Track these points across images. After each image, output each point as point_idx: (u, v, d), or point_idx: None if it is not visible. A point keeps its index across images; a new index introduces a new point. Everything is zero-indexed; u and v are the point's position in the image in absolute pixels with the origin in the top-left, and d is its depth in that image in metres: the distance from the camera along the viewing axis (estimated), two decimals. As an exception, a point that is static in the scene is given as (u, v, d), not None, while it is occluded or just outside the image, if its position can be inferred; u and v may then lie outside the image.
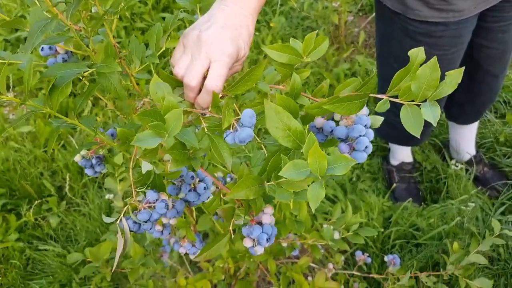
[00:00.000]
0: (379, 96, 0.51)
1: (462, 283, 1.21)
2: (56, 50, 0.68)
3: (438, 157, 1.80)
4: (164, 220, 0.82)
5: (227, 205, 0.58)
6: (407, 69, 0.48)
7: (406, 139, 1.63)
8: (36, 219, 1.74)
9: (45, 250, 1.65)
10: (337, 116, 0.55)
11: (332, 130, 0.53)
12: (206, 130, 0.53)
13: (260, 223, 0.58)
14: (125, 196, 1.16)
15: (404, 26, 1.19)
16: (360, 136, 0.51)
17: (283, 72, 0.56)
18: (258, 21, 2.54)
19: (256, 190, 0.52)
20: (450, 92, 0.48)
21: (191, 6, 0.81)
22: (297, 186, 0.53)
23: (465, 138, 1.70)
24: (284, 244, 1.05)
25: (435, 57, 0.47)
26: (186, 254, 1.37)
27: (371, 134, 0.52)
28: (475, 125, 1.66)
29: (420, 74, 0.47)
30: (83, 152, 0.73)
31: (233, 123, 0.50)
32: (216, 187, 0.75)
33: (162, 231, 0.88)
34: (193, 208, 1.01)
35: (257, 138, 0.64)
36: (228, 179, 0.98)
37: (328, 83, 0.57)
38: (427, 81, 0.47)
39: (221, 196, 0.61)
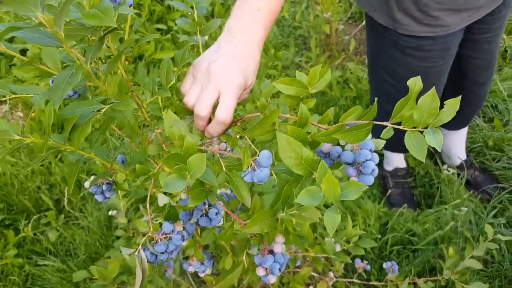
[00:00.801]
0: (384, 123, 0.54)
1: (459, 287, 1.25)
2: None
3: (431, 162, 1.84)
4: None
5: (241, 237, 0.61)
6: (408, 98, 0.52)
7: (399, 146, 1.67)
8: (34, 234, 1.74)
9: (45, 265, 1.65)
10: (342, 141, 0.58)
11: (339, 155, 0.56)
12: (224, 169, 0.55)
13: (271, 252, 0.61)
14: (127, 212, 1.17)
15: (394, 40, 1.23)
16: (367, 160, 0.54)
17: (290, 103, 0.59)
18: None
19: (270, 223, 0.55)
20: (449, 120, 0.51)
21: (191, 29, 0.83)
22: (309, 218, 0.56)
23: (456, 143, 1.75)
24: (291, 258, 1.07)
25: (433, 88, 0.51)
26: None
27: (376, 158, 0.56)
28: (464, 131, 1.71)
29: (421, 104, 0.50)
30: (92, 178, 0.75)
31: (251, 163, 0.53)
32: (226, 217, 0.78)
33: (172, 252, 0.91)
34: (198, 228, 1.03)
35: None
36: (235, 216, 1.01)
37: (333, 111, 0.60)
38: (427, 110, 0.50)
39: (234, 226, 0.64)
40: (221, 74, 0.60)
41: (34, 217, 1.75)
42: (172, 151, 0.54)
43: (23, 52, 2.45)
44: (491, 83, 1.52)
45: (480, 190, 1.72)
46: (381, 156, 1.88)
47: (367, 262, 1.33)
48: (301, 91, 0.57)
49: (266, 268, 0.58)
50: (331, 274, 1.28)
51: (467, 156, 1.80)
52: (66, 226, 1.78)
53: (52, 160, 1.95)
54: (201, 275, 0.90)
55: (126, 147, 0.79)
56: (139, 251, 0.57)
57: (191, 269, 0.89)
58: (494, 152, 1.82)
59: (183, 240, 0.60)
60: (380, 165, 1.87)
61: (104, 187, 0.73)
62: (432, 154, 1.88)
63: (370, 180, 0.54)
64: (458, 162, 1.78)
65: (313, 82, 0.57)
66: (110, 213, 1.15)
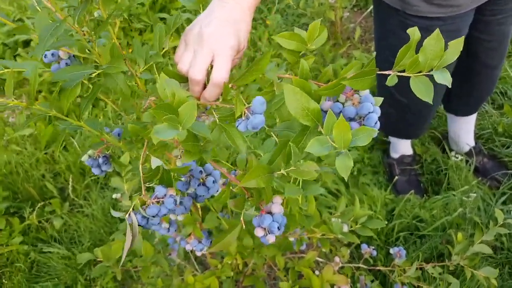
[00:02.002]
0: (387, 72, 0.54)
1: (468, 272, 1.23)
2: (58, 56, 0.69)
3: (438, 149, 1.81)
4: (172, 217, 0.82)
5: (238, 197, 0.59)
6: (408, 45, 0.51)
7: (403, 132, 1.64)
8: (39, 222, 1.74)
9: (50, 252, 1.65)
10: (341, 99, 0.58)
11: (340, 111, 0.55)
12: (218, 120, 0.54)
13: (270, 213, 0.59)
14: (132, 196, 1.16)
15: (403, 21, 1.20)
16: (369, 113, 0.54)
17: (290, 59, 0.58)
18: (254, 19, 2.54)
19: (267, 178, 0.54)
20: (453, 60, 0.51)
21: (194, 6, 0.82)
22: (306, 174, 0.54)
23: (464, 130, 1.72)
24: (292, 239, 1.06)
25: (437, 29, 0.50)
26: (192, 251, 1.38)
27: (378, 111, 0.55)
28: (473, 117, 1.68)
29: (426, 45, 0.50)
30: (90, 151, 0.74)
31: (245, 111, 0.51)
32: (224, 181, 0.76)
33: (168, 228, 0.89)
34: (199, 206, 1.02)
35: (266, 126, 0.65)
36: (232, 176, 0.99)
37: (331, 67, 0.59)
38: (433, 52, 0.50)
39: (231, 188, 0.62)
40: (214, 37, 0.59)
41: (39, 205, 1.74)
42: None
43: (27, 43, 2.45)
44: (501, 67, 1.49)
45: (489, 176, 1.69)
46: (387, 143, 1.85)
47: (373, 247, 1.31)
48: (301, 46, 0.57)
49: (265, 228, 0.56)
50: (337, 259, 1.27)
51: (476, 142, 1.77)
52: (71, 213, 1.78)
53: (56, 148, 1.94)
54: (198, 253, 0.89)
55: (124, 122, 0.77)
56: (129, 214, 0.56)
57: (188, 247, 0.88)
58: (503, 139, 1.79)
59: (175, 204, 0.58)
60: (386, 152, 1.85)
61: (100, 160, 0.72)
62: (440, 140, 1.85)
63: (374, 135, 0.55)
64: (466, 148, 1.75)
65: (312, 38, 0.57)
66: (114, 196, 1.14)
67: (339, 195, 1.69)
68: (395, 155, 1.79)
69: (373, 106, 0.55)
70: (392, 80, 0.54)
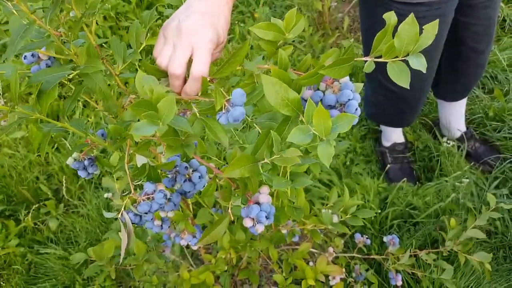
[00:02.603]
0: (364, 59, 0.54)
1: (462, 258, 1.24)
2: (38, 57, 0.68)
3: (430, 135, 1.82)
4: (162, 214, 0.83)
5: (224, 186, 0.60)
6: (385, 30, 0.51)
7: (395, 120, 1.65)
8: (35, 224, 1.74)
9: (47, 253, 1.65)
10: (322, 87, 0.58)
11: (321, 100, 0.56)
12: (198, 114, 0.54)
13: (258, 203, 0.60)
14: (122, 195, 1.17)
15: (387, 8, 1.20)
16: (350, 100, 0.54)
17: (268, 50, 0.58)
18: (242, 12, 2.53)
19: (251, 168, 0.54)
20: (429, 44, 0.51)
21: (178, 2, 0.81)
22: (290, 161, 0.55)
23: (455, 115, 1.72)
24: (284, 231, 1.06)
25: (412, 13, 0.50)
26: (188, 247, 1.38)
27: (358, 98, 0.56)
28: (463, 102, 1.68)
29: (401, 30, 0.50)
30: (75, 154, 0.74)
31: (225, 104, 0.51)
32: (210, 174, 0.76)
33: (161, 225, 0.90)
34: (190, 202, 1.02)
35: (248, 118, 0.65)
36: (217, 169, 1.00)
37: (310, 56, 0.59)
38: (408, 37, 0.50)
39: (217, 181, 0.62)
40: (193, 30, 0.59)
41: (34, 207, 1.74)
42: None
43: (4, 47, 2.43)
44: (489, 52, 1.49)
45: (481, 161, 1.70)
46: (379, 132, 1.86)
47: (367, 237, 1.32)
48: (278, 36, 0.57)
49: (253, 219, 0.56)
50: (330, 249, 1.28)
51: (467, 127, 1.77)
52: (66, 214, 1.78)
53: (48, 150, 1.94)
54: (194, 247, 0.89)
55: (107, 122, 0.77)
56: (122, 214, 0.56)
57: (183, 243, 0.88)
58: (494, 123, 1.80)
59: (166, 199, 0.59)
60: (378, 141, 1.85)
61: (85, 162, 0.72)
62: (431, 127, 1.86)
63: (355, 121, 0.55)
64: (457, 134, 1.76)
65: (289, 27, 0.56)
66: (105, 195, 1.14)
67: (332, 185, 1.69)
68: (386, 143, 1.79)
69: (353, 93, 0.56)
70: (369, 66, 0.54)
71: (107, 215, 0.63)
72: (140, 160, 0.62)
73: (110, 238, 1.04)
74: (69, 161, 0.73)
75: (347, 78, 0.57)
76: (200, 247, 1.19)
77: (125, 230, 0.61)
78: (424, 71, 0.50)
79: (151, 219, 0.68)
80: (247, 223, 0.59)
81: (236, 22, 2.45)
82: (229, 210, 0.66)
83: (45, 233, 1.72)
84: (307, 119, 0.49)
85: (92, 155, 0.76)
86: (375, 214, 0.93)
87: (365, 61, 0.55)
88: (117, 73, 0.67)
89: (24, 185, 1.82)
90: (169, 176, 0.71)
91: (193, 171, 0.73)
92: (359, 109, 0.56)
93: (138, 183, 0.66)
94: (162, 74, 0.63)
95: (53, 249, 1.66)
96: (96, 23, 0.66)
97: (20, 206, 1.78)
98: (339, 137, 1.92)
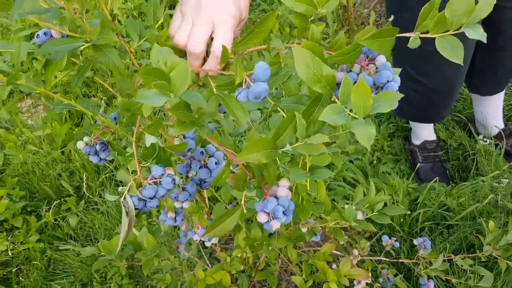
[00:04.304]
0: (408, 35, 0.48)
1: (503, 264, 1.13)
2: (51, 35, 0.65)
3: (464, 133, 1.70)
4: (177, 205, 0.78)
5: (238, 173, 0.53)
6: (432, 3, 0.44)
7: (426, 115, 1.54)
8: (55, 220, 1.74)
9: (66, 250, 1.64)
10: (356, 69, 0.52)
11: (355, 82, 0.49)
12: (215, 90, 0.48)
13: (275, 197, 0.53)
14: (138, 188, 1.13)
15: None
16: (388, 82, 0.49)
17: (299, 24, 0.52)
18: (264, 11, 2.48)
19: (269, 154, 0.48)
20: (485, 15, 0.45)
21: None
22: (315, 148, 0.48)
23: (492, 111, 1.60)
24: (304, 230, 0.99)
25: None
26: (205, 247, 1.32)
27: (398, 80, 0.50)
28: (501, 96, 1.56)
29: (453, 1, 0.44)
30: (87, 139, 0.70)
31: (246, 79, 0.45)
32: (226, 159, 0.71)
33: (175, 218, 0.84)
34: (206, 195, 0.97)
35: (271, 101, 0.59)
36: (232, 154, 0.94)
37: (344, 36, 0.53)
38: (461, 7, 0.44)
39: (231, 167, 0.56)
40: (214, 5, 0.53)
41: (55, 203, 1.74)
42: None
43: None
44: (530, 41, 1.37)
45: (522, 161, 1.57)
46: (409, 130, 1.75)
47: (395, 239, 1.22)
48: (311, 10, 0.51)
49: (269, 214, 0.50)
50: (355, 252, 1.19)
51: (505, 124, 1.64)
52: (86, 211, 1.77)
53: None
54: (208, 243, 0.84)
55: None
56: (124, 197, 0.51)
57: (196, 238, 0.83)
58: (536, 120, 1.66)
59: (174, 184, 0.53)
60: (407, 139, 1.75)
61: (97, 147, 0.68)
62: (466, 124, 1.73)
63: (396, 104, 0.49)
64: (495, 131, 1.63)
65: (323, 1, 0.49)
66: (120, 189, 1.11)
67: (357, 185, 1.60)
68: (417, 141, 1.68)
69: (392, 74, 0.50)
70: (414, 41, 0.48)
71: (109, 197, 0.58)
72: (149, 139, 0.57)
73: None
74: (80, 145, 0.70)
75: (384, 58, 0.51)
76: (216, 245, 1.13)
77: (127, 216, 0.56)
78: (485, 41, 0.45)
79: (157, 206, 0.63)
80: (261, 218, 0.53)
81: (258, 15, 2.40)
82: (242, 202, 0.59)
83: (65, 230, 1.71)
84: (343, 98, 0.44)
85: (105, 139, 0.72)
86: (404, 213, 0.85)
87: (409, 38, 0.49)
88: (132, 50, 0.63)
89: (47, 181, 1.83)
90: (184, 161, 0.66)
91: (209, 157, 0.67)
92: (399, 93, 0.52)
93: (146, 165, 0.61)
94: (180, 53, 0.58)
95: (72, 245, 1.65)
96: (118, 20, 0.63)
97: (42, 202, 1.79)
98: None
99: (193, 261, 1.27)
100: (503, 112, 1.64)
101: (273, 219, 0.52)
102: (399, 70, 0.56)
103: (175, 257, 1.01)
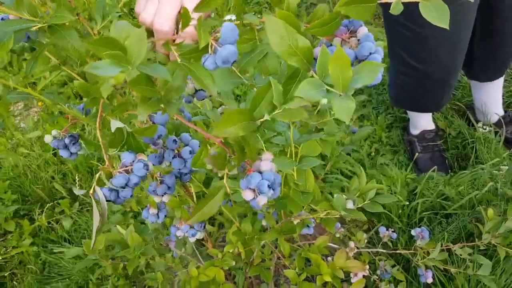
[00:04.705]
0: (389, 0, 0.44)
1: (502, 252, 1.09)
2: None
3: (463, 121, 1.66)
4: (156, 199, 0.74)
5: (217, 151, 0.50)
6: None
7: (423, 103, 1.51)
8: (49, 223, 1.72)
9: (60, 252, 1.62)
10: (337, 43, 0.49)
11: None
12: (179, 59, 0.44)
13: (259, 172, 0.50)
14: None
15: None
16: (371, 54, 0.45)
17: None
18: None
19: (247, 126, 0.44)
20: None
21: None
22: (295, 114, 0.45)
23: (491, 98, 1.56)
24: (296, 222, 0.96)
25: None
26: (203, 245, 1.29)
27: (382, 52, 0.47)
28: (500, 82, 1.52)
29: None
30: (55, 132, 0.67)
31: (212, 43, 0.42)
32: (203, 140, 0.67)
33: (158, 214, 0.81)
34: (193, 190, 0.94)
35: (245, 80, 0.55)
36: (208, 133, 0.91)
37: (325, 6, 0.49)
38: None
39: (208, 146, 0.53)
40: None
41: (48, 205, 1.72)
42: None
43: None
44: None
45: (522, 147, 1.53)
46: (407, 120, 1.72)
47: (392, 230, 1.19)
48: None
49: (254, 190, 0.46)
50: (351, 244, 1.16)
51: (505, 111, 1.60)
52: (80, 213, 1.74)
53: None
54: (192, 239, 0.81)
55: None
56: (94, 189, 0.48)
57: (180, 234, 0.80)
58: (536, 105, 1.62)
59: (147, 170, 0.50)
60: (406, 130, 1.71)
61: (66, 140, 0.65)
62: (464, 113, 1.70)
63: (379, 77, 0.46)
64: (495, 118, 1.59)
65: None
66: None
67: (354, 176, 1.57)
68: (415, 131, 1.65)
69: (375, 46, 0.46)
70: (397, 7, 0.45)
71: (77, 191, 0.55)
72: (115, 124, 0.54)
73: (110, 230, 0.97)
74: (47, 138, 0.67)
75: (366, 29, 0.48)
76: (207, 241, 1.10)
77: (97, 209, 0.53)
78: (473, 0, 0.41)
79: (131, 196, 0.59)
80: (247, 195, 0.49)
81: None
82: (225, 181, 0.56)
83: (59, 232, 1.69)
84: (320, 71, 0.41)
85: (74, 132, 0.69)
86: (403, 204, 0.81)
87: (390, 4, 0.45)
88: (96, 32, 0.59)
89: (39, 184, 1.81)
90: (155, 150, 0.63)
91: (184, 146, 0.64)
92: (382, 67, 0.48)
93: (114, 153, 0.57)
94: (148, 33, 0.55)
95: (66, 248, 1.62)
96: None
97: (35, 205, 1.76)
98: (360, 122, 1.79)
99: (186, 259, 1.25)
100: (503, 98, 1.61)
101: (259, 194, 0.49)
102: (382, 42, 0.53)
103: (161, 255, 0.97)
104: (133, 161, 0.52)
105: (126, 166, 0.52)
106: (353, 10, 0.43)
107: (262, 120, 0.45)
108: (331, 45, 0.51)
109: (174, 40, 0.49)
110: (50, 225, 1.72)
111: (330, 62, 0.38)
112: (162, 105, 0.46)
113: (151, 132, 0.53)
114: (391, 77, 1.49)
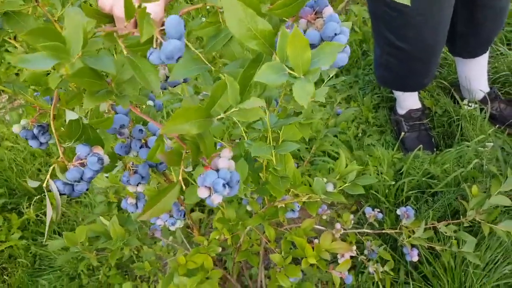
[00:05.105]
0: None
1: (486, 228, 1.10)
2: None
3: (449, 99, 1.66)
4: (131, 189, 0.73)
5: (172, 147, 0.49)
6: None
7: (408, 83, 1.50)
8: (37, 216, 1.71)
9: (50, 245, 1.62)
10: (302, 24, 0.48)
11: None
12: (125, 52, 0.42)
13: (216, 170, 0.49)
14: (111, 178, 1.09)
15: None
16: (336, 34, 0.45)
17: None
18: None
19: (201, 123, 0.43)
20: None
21: None
22: (251, 114, 0.44)
23: (476, 74, 1.55)
24: (280, 207, 0.96)
25: None
26: (192, 233, 1.29)
27: (347, 32, 0.46)
28: (484, 58, 1.51)
29: None
30: (24, 122, 0.65)
31: (157, 37, 0.40)
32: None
33: (136, 204, 0.81)
34: (174, 178, 0.93)
35: (212, 67, 0.54)
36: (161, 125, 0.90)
37: None
38: None
39: (165, 140, 0.52)
40: None
41: (36, 198, 1.71)
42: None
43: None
44: (509, 1, 1.31)
45: (507, 123, 1.54)
46: (393, 100, 1.71)
47: (378, 210, 1.20)
48: None
49: (210, 188, 0.46)
50: (338, 225, 1.16)
51: (490, 88, 1.60)
52: (69, 205, 1.74)
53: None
54: (172, 228, 0.80)
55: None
56: (48, 183, 0.47)
57: (159, 222, 0.80)
58: (521, 80, 1.62)
59: (102, 164, 0.49)
60: (392, 109, 1.71)
61: (35, 130, 0.63)
62: (450, 90, 1.69)
63: (344, 58, 0.46)
64: (480, 95, 1.59)
65: None
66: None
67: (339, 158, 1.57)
68: (401, 111, 1.65)
69: (340, 26, 0.46)
70: None
71: (31, 183, 0.54)
72: (69, 115, 0.52)
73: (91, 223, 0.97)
74: (16, 129, 0.65)
75: (331, 9, 0.47)
76: (193, 229, 1.10)
77: (51, 202, 0.52)
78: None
79: (86, 190, 0.58)
80: (202, 193, 0.48)
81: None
82: (180, 178, 0.55)
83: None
84: (280, 54, 0.39)
85: (44, 122, 0.67)
86: (375, 180, 0.81)
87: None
88: (56, 19, 0.57)
89: (26, 177, 1.79)
90: (122, 140, 0.62)
91: (151, 135, 0.63)
92: (348, 47, 0.47)
93: (69, 145, 0.56)
94: (108, 19, 0.53)
95: (56, 240, 1.62)
96: None
97: (22, 198, 1.75)
98: (347, 103, 1.78)
99: (174, 248, 1.25)
100: (488, 75, 1.60)
101: (214, 193, 0.48)
102: (349, 24, 0.52)
103: (147, 244, 0.97)
104: (88, 154, 0.50)
105: (81, 160, 0.50)
106: None
107: (218, 117, 0.43)
108: (297, 26, 0.50)
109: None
110: (38, 218, 1.71)
111: (288, 44, 0.37)
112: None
113: (107, 124, 0.51)
114: (376, 57, 1.47)
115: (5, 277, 1.56)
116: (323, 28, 0.46)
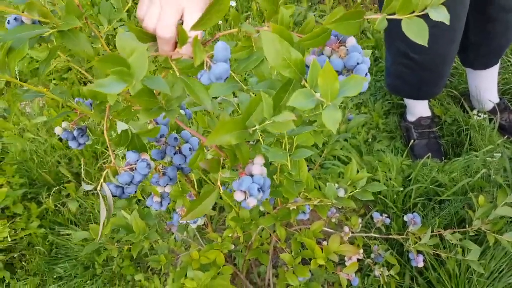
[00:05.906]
0: (375, 16, 0.48)
1: (491, 238, 1.14)
2: (22, 21, 0.65)
3: (459, 108, 1.69)
4: (159, 190, 0.79)
5: (211, 157, 0.54)
6: None
7: (419, 92, 1.53)
8: (56, 206, 1.78)
9: (67, 234, 1.68)
10: (327, 52, 0.52)
11: None
12: (178, 73, 0.48)
13: (250, 176, 0.54)
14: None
15: None
16: (358, 64, 0.49)
17: (267, 7, 0.52)
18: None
19: (239, 135, 0.48)
20: None
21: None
22: (283, 127, 0.49)
23: (486, 85, 1.58)
24: (292, 208, 1.01)
25: None
26: (200, 227, 1.35)
27: (368, 62, 0.51)
28: (495, 70, 1.54)
29: None
30: (64, 124, 0.71)
31: (206, 61, 0.45)
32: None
33: (161, 203, 0.86)
34: (194, 178, 0.98)
35: (243, 86, 0.59)
36: (204, 137, 0.95)
37: (314, 18, 0.52)
38: None
39: (204, 149, 0.57)
40: None
41: (54, 189, 1.77)
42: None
43: None
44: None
45: (516, 134, 1.56)
46: (404, 107, 1.74)
47: (386, 215, 1.24)
48: None
49: (245, 192, 0.51)
50: (346, 228, 1.21)
51: (500, 98, 1.63)
52: (86, 197, 1.80)
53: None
54: (193, 225, 0.86)
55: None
56: (101, 186, 0.52)
57: (182, 220, 0.84)
58: (532, 93, 1.64)
59: (150, 169, 0.54)
60: (402, 116, 1.74)
61: (75, 132, 0.69)
62: (460, 100, 1.72)
63: (365, 85, 0.50)
64: (490, 106, 1.62)
65: None
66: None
67: (349, 163, 1.61)
68: (412, 118, 1.68)
69: (362, 56, 0.51)
70: (381, 23, 0.49)
71: (86, 187, 0.59)
72: (120, 126, 0.58)
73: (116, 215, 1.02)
74: (58, 130, 0.71)
75: (354, 40, 0.52)
76: (207, 226, 1.16)
77: (104, 204, 0.58)
78: (447, 23, 0.45)
79: (135, 192, 0.64)
80: (238, 196, 0.54)
81: (253, -2, 2.37)
82: (218, 183, 0.60)
83: (66, 215, 1.75)
84: (311, 82, 0.44)
85: (83, 124, 0.73)
86: (385, 187, 0.85)
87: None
88: (102, 35, 0.63)
89: (46, 168, 1.86)
90: (159, 147, 0.68)
91: (184, 143, 0.68)
92: (369, 75, 0.52)
93: (120, 152, 0.62)
94: (150, 38, 0.58)
95: (73, 230, 1.69)
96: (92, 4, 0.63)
97: (42, 189, 1.82)
98: (358, 108, 1.82)
99: (188, 243, 1.30)
100: (498, 86, 1.63)
101: (249, 196, 0.53)
102: (369, 52, 0.56)
103: (163, 239, 1.03)
104: (137, 160, 0.56)
105: (131, 165, 0.56)
106: (342, 26, 0.47)
107: (253, 129, 0.49)
108: (322, 53, 0.55)
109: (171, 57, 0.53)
110: (57, 208, 1.78)
111: (319, 76, 0.41)
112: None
113: (153, 134, 0.57)
114: (387, 65, 1.51)
115: (23, 263, 1.63)
116: (346, 57, 0.51)
